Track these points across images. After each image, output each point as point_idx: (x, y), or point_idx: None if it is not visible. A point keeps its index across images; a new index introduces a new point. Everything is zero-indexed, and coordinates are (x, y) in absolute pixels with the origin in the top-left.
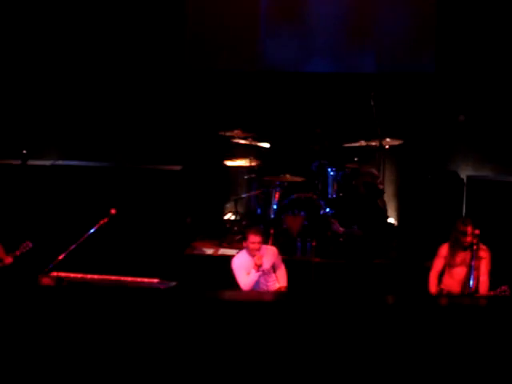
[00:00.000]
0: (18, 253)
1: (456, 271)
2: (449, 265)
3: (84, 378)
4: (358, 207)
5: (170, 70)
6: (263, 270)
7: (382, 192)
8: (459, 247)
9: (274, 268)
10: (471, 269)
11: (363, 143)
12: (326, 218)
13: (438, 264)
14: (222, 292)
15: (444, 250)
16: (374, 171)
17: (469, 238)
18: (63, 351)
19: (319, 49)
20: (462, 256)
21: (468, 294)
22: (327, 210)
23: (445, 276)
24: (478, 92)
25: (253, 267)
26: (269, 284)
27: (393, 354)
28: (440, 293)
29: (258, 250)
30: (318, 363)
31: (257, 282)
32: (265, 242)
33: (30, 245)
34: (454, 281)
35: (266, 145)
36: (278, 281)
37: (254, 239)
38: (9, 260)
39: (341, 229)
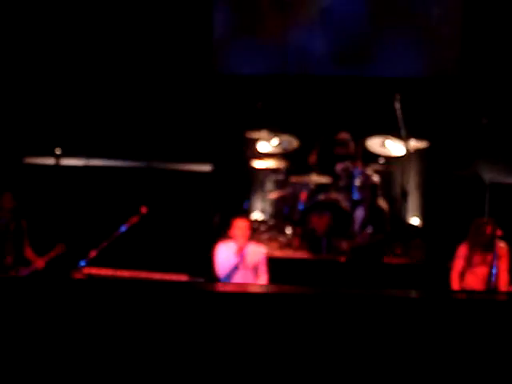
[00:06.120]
0: (50, 256)
1: (478, 270)
2: (469, 264)
3: (108, 366)
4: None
5: (201, 71)
6: (244, 264)
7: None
8: (478, 246)
9: (255, 270)
10: (492, 269)
11: None
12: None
13: (458, 264)
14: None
15: (462, 249)
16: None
17: (487, 237)
18: (93, 345)
19: (343, 52)
20: (482, 255)
21: (488, 290)
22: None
23: (467, 275)
24: (503, 95)
25: (235, 251)
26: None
27: (408, 350)
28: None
29: (243, 237)
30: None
31: (234, 277)
32: (291, 242)
33: (63, 248)
34: (476, 279)
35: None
36: None
37: (239, 224)
38: (40, 264)
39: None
